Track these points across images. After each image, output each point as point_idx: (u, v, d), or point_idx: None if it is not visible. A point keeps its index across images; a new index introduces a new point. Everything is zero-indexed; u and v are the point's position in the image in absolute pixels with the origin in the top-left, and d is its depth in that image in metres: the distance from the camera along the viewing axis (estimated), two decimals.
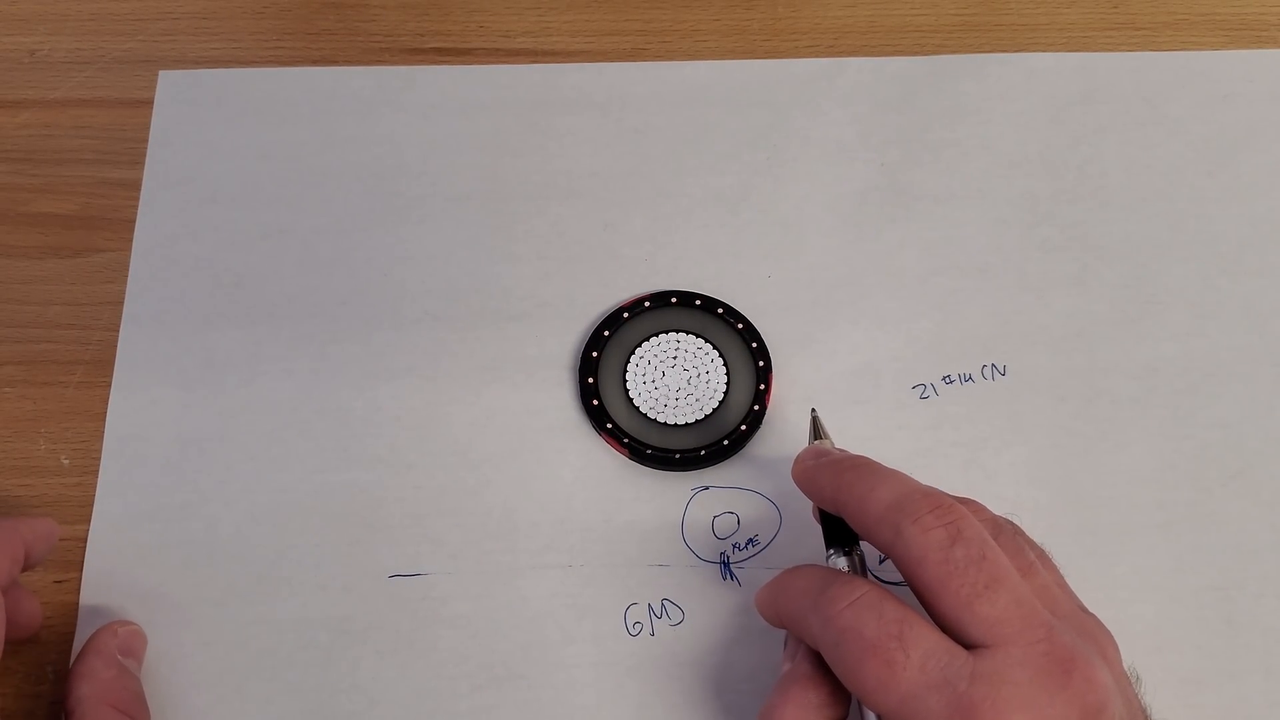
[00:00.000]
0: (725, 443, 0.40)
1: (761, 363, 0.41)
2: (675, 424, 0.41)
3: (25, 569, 0.36)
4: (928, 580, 0.30)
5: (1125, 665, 0.31)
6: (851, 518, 0.33)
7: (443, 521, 0.40)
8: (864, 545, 0.34)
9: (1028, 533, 0.34)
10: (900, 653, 0.29)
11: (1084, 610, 0.32)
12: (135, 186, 0.45)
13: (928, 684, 0.28)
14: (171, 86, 0.47)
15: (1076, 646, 0.29)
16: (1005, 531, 0.32)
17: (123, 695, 0.35)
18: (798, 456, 0.36)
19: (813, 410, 0.38)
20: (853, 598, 0.30)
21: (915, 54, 0.47)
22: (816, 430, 0.38)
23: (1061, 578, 0.33)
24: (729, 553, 0.39)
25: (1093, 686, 0.28)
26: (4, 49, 0.48)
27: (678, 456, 0.40)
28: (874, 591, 0.30)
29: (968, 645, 0.29)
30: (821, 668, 0.31)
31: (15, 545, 0.35)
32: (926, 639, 0.29)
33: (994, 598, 0.29)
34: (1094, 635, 0.31)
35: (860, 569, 0.34)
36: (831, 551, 0.34)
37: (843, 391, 0.41)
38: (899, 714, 0.29)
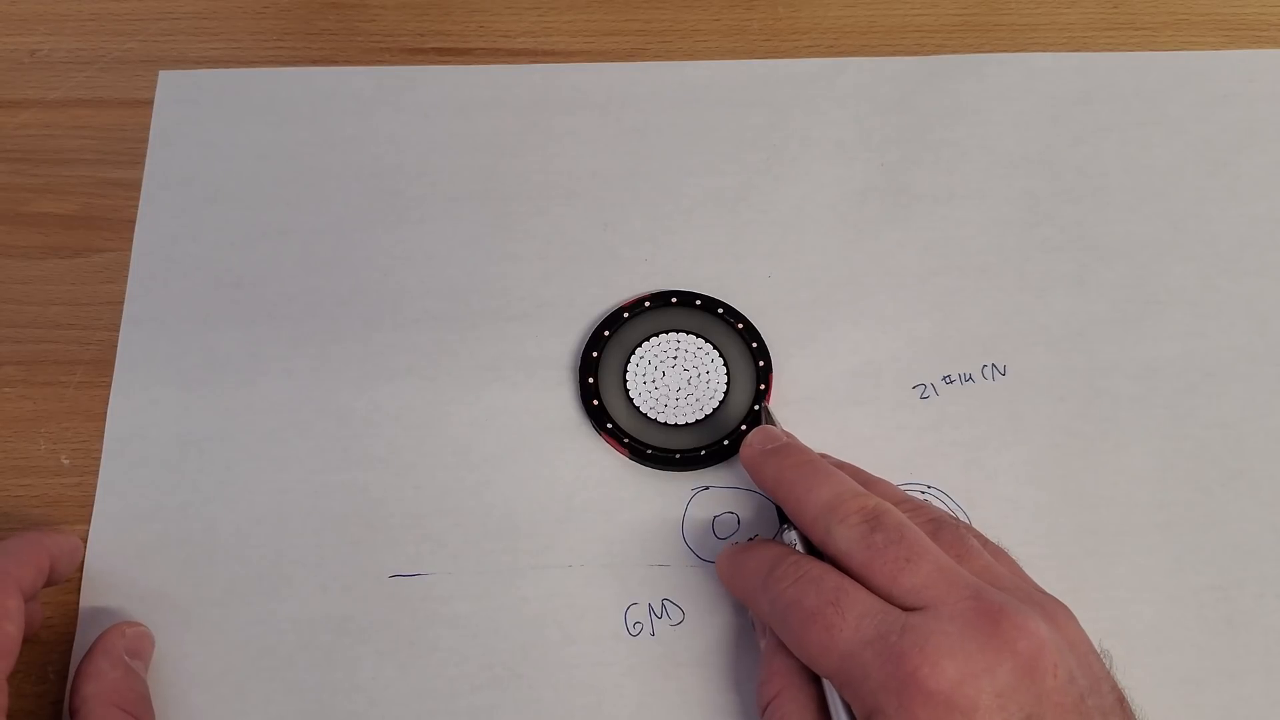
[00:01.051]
0: (725, 443, 0.40)
1: (761, 363, 0.41)
2: (675, 424, 0.41)
3: (48, 584, 0.36)
4: (856, 568, 0.32)
5: (1095, 644, 0.32)
6: (790, 514, 0.35)
7: (443, 521, 0.40)
8: None
9: (985, 530, 0.36)
10: (837, 616, 0.31)
11: (1039, 590, 0.33)
12: (135, 186, 0.45)
13: (863, 640, 0.30)
14: (171, 86, 0.47)
15: (1006, 602, 0.30)
16: (946, 526, 0.34)
17: (128, 696, 0.35)
18: (746, 438, 0.37)
19: (765, 407, 0.40)
20: (797, 575, 0.33)
21: (915, 54, 0.47)
22: (769, 420, 0.39)
23: (1016, 566, 0.35)
24: None
25: (1024, 634, 0.29)
26: (4, 49, 0.48)
27: (678, 456, 0.40)
28: (816, 567, 0.33)
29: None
30: None
31: (41, 558, 0.35)
32: (861, 602, 0.31)
33: (915, 568, 0.31)
34: (1042, 605, 0.32)
35: (807, 544, 0.35)
36: (784, 526, 0.36)
37: (843, 391, 0.41)
38: (840, 672, 0.30)
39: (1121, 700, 0.31)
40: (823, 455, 0.37)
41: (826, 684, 0.32)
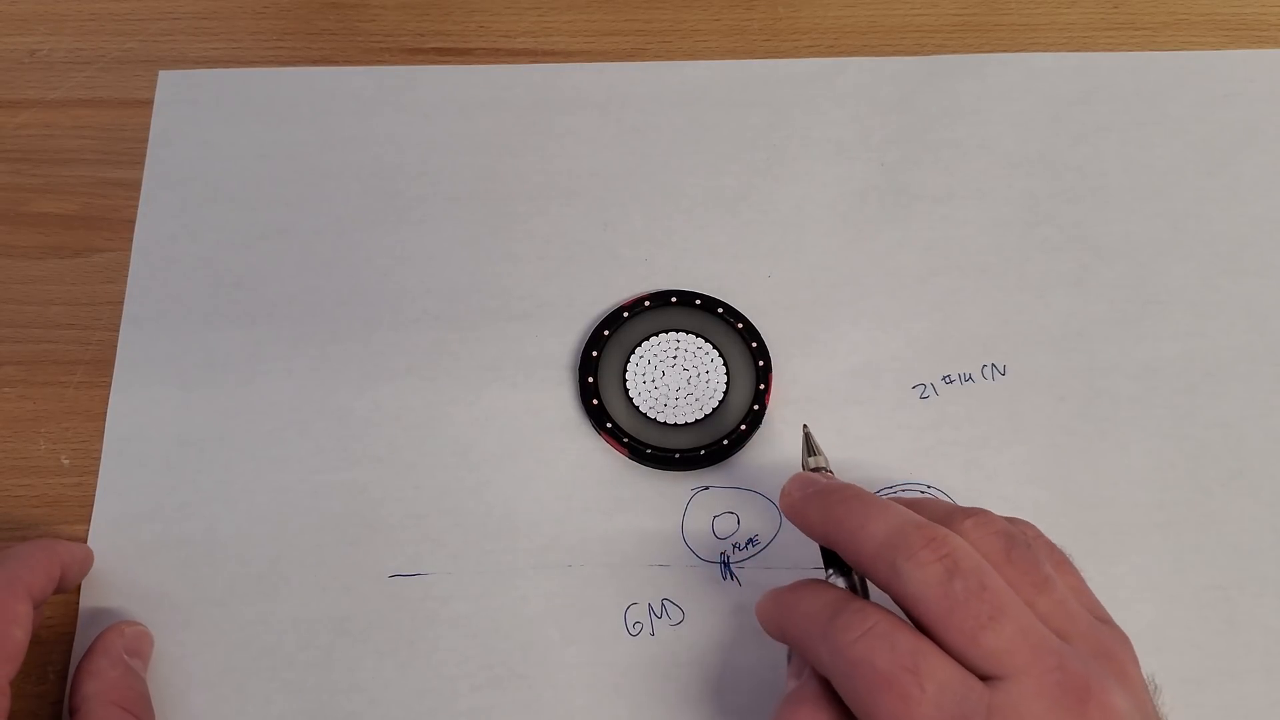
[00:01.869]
0: (725, 443, 0.40)
1: (761, 362, 0.41)
2: (675, 424, 0.41)
3: (58, 591, 0.36)
4: (929, 618, 0.29)
5: (1145, 675, 0.31)
6: (845, 553, 0.32)
7: (443, 521, 0.40)
8: None
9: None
10: (915, 686, 0.28)
11: (1102, 621, 0.31)
12: (135, 186, 0.45)
13: (944, 718, 0.28)
14: (171, 86, 0.47)
15: (1091, 673, 0.28)
16: (1018, 544, 0.31)
17: (128, 694, 0.35)
18: (784, 488, 0.34)
19: (804, 426, 0.37)
20: (865, 628, 0.29)
21: (915, 54, 0.47)
22: (809, 446, 0.37)
23: (1081, 582, 0.33)
24: (729, 553, 0.39)
25: (1108, 714, 0.28)
26: (4, 49, 0.48)
27: (678, 456, 0.40)
28: (886, 621, 0.29)
29: (979, 677, 0.28)
30: (830, 689, 0.30)
31: (54, 565, 0.36)
32: (941, 671, 0.28)
33: (999, 629, 0.28)
34: (1111, 653, 0.30)
35: (861, 589, 0.33)
36: (831, 571, 0.33)
37: (843, 391, 0.41)
38: None
39: None
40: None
41: None
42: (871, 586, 0.32)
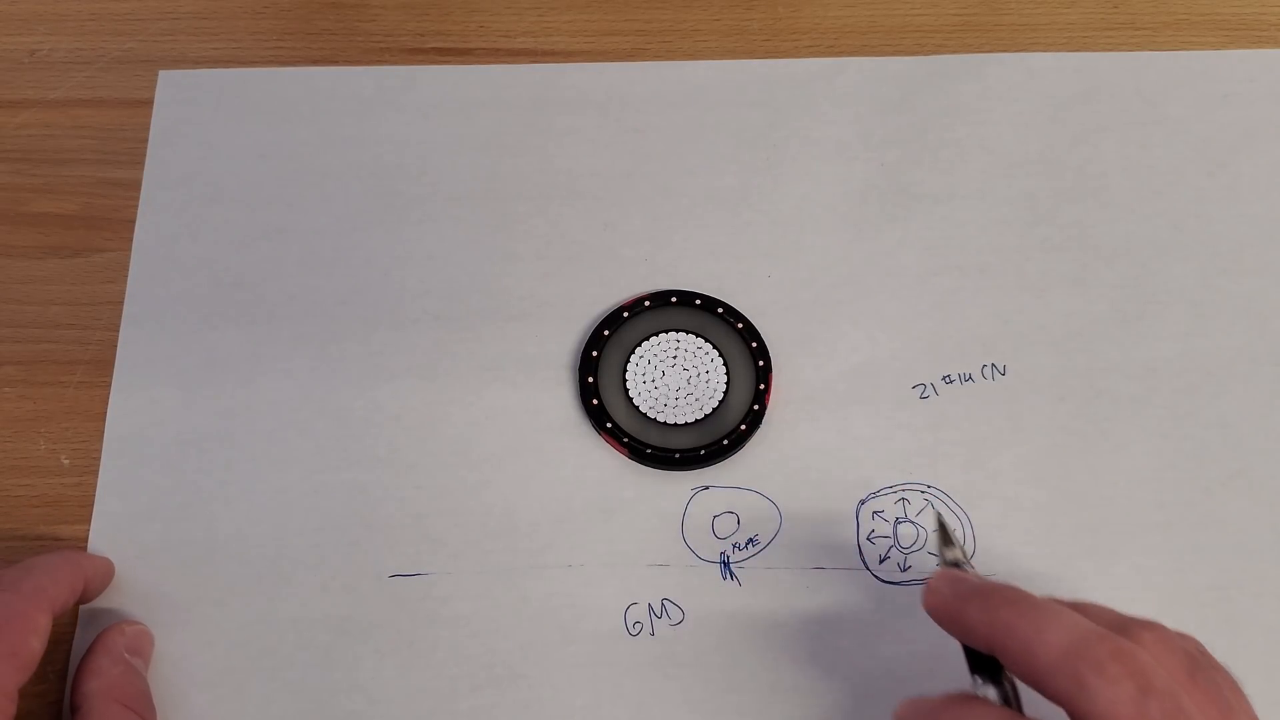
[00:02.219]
0: (725, 442, 0.40)
1: (761, 362, 0.41)
2: (675, 424, 0.41)
3: (80, 603, 0.37)
4: None
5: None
6: (1014, 662, 0.29)
7: (443, 521, 0.40)
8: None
9: (1175, 629, 0.32)
10: None
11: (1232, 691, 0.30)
12: (135, 186, 0.45)
13: None
14: (171, 86, 0.47)
15: None
16: (1202, 667, 0.29)
17: (129, 692, 0.35)
18: (931, 585, 0.32)
19: (938, 517, 0.35)
20: None
21: (915, 54, 0.47)
22: (945, 537, 0.34)
23: (1252, 711, 0.31)
24: (729, 552, 0.39)
25: None
26: (4, 49, 0.48)
27: (678, 456, 0.40)
28: None
29: None
30: None
31: (77, 578, 0.36)
32: None
33: None
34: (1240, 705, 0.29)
35: (1014, 699, 0.31)
36: (978, 678, 0.31)
37: (843, 391, 0.41)
38: None
39: None
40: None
41: None
42: (1025, 692, 0.30)
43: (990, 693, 0.30)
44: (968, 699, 0.30)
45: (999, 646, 0.29)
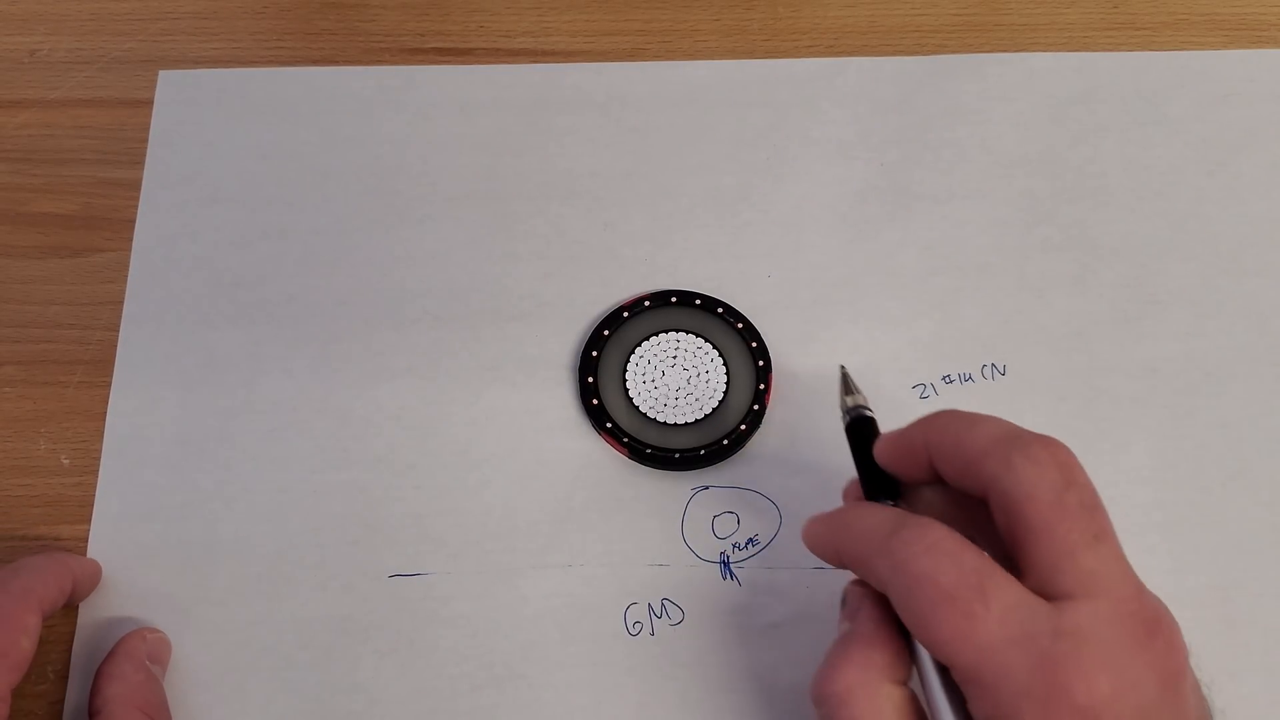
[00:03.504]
0: (725, 442, 0.40)
1: (761, 362, 0.41)
2: (675, 424, 0.41)
3: (66, 605, 0.37)
4: (1033, 520, 0.28)
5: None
6: (948, 455, 0.31)
7: (443, 521, 0.40)
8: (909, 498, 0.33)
9: None
10: (980, 604, 0.27)
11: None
12: (135, 186, 0.45)
13: (1008, 638, 0.27)
14: (171, 86, 0.47)
15: (1161, 609, 0.28)
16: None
17: (150, 699, 0.35)
18: (881, 437, 0.34)
19: (841, 367, 0.37)
20: (928, 541, 0.28)
21: (915, 54, 0.47)
22: (847, 385, 0.36)
23: None
24: (729, 552, 0.39)
25: (1173, 650, 0.28)
26: (4, 49, 0.48)
27: (677, 456, 0.40)
28: (949, 538, 0.28)
29: (1052, 595, 0.28)
30: (886, 628, 0.30)
31: (65, 579, 0.36)
32: (1008, 591, 0.27)
33: (1100, 550, 0.28)
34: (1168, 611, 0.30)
35: None
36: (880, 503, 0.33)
37: None
38: (975, 667, 0.27)
39: (1206, 703, 0.30)
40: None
41: (931, 678, 0.29)
42: None
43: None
44: (869, 503, 0.32)
45: (935, 443, 0.31)
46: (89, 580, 0.38)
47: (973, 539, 0.29)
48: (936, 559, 0.28)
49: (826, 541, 0.32)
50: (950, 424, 0.31)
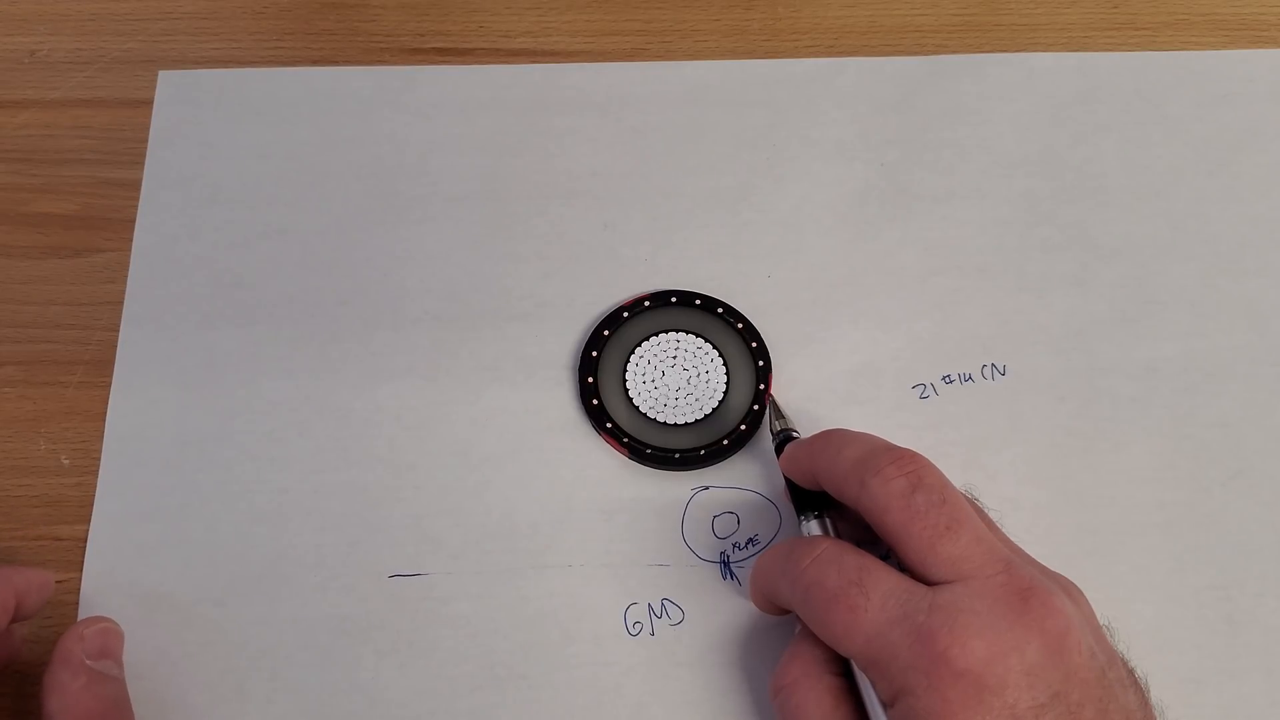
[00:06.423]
0: (725, 442, 0.40)
1: (761, 362, 0.41)
2: (675, 424, 0.41)
3: (16, 619, 0.35)
4: (892, 527, 0.31)
5: (1102, 620, 0.32)
6: (824, 480, 0.34)
7: (443, 521, 0.40)
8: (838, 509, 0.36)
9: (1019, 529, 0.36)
10: (861, 596, 0.30)
11: (1044, 566, 0.33)
12: (135, 186, 0.45)
13: (889, 620, 0.30)
14: (171, 86, 0.47)
15: (1035, 578, 0.30)
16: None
17: (93, 706, 0.33)
18: (786, 453, 0.37)
19: (769, 395, 0.40)
20: (814, 554, 0.32)
21: (915, 54, 0.47)
22: (775, 411, 0.39)
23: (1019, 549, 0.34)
24: (729, 552, 0.39)
25: (1052, 612, 0.30)
26: (4, 49, 0.48)
27: (677, 456, 0.40)
28: (832, 546, 0.32)
29: (932, 585, 0.31)
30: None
31: (6, 595, 0.34)
32: (885, 580, 0.31)
33: (955, 537, 0.31)
34: (1057, 579, 0.32)
35: (833, 530, 0.35)
36: (803, 518, 0.36)
37: (843, 391, 0.41)
38: (866, 654, 0.30)
39: (1131, 672, 0.31)
40: None
41: (857, 672, 0.32)
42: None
43: (812, 526, 0.35)
44: (803, 539, 0.35)
45: (815, 470, 0.35)
46: (37, 593, 0.36)
47: None
48: (821, 567, 0.32)
49: (756, 586, 0.36)
50: (824, 449, 0.35)
